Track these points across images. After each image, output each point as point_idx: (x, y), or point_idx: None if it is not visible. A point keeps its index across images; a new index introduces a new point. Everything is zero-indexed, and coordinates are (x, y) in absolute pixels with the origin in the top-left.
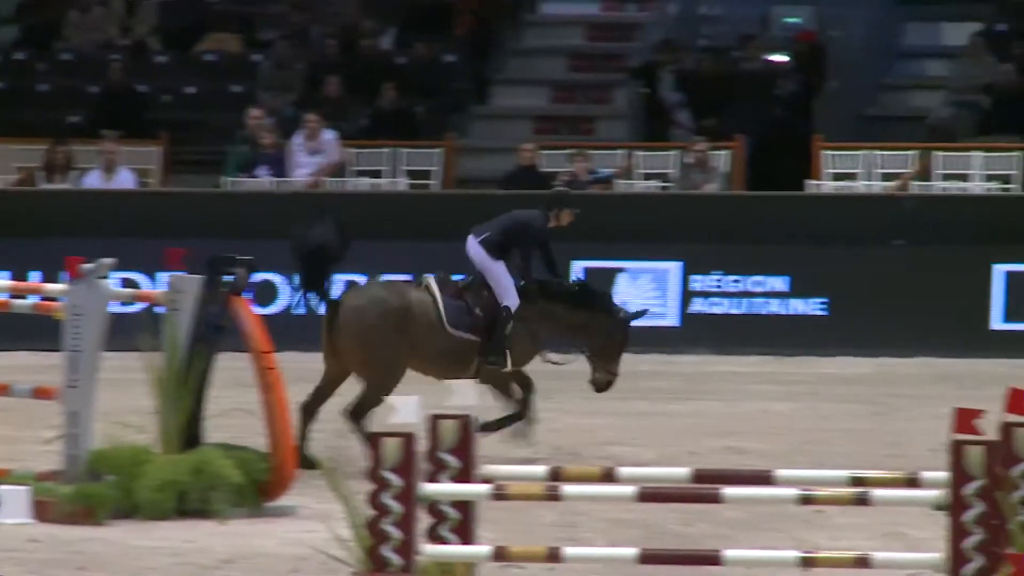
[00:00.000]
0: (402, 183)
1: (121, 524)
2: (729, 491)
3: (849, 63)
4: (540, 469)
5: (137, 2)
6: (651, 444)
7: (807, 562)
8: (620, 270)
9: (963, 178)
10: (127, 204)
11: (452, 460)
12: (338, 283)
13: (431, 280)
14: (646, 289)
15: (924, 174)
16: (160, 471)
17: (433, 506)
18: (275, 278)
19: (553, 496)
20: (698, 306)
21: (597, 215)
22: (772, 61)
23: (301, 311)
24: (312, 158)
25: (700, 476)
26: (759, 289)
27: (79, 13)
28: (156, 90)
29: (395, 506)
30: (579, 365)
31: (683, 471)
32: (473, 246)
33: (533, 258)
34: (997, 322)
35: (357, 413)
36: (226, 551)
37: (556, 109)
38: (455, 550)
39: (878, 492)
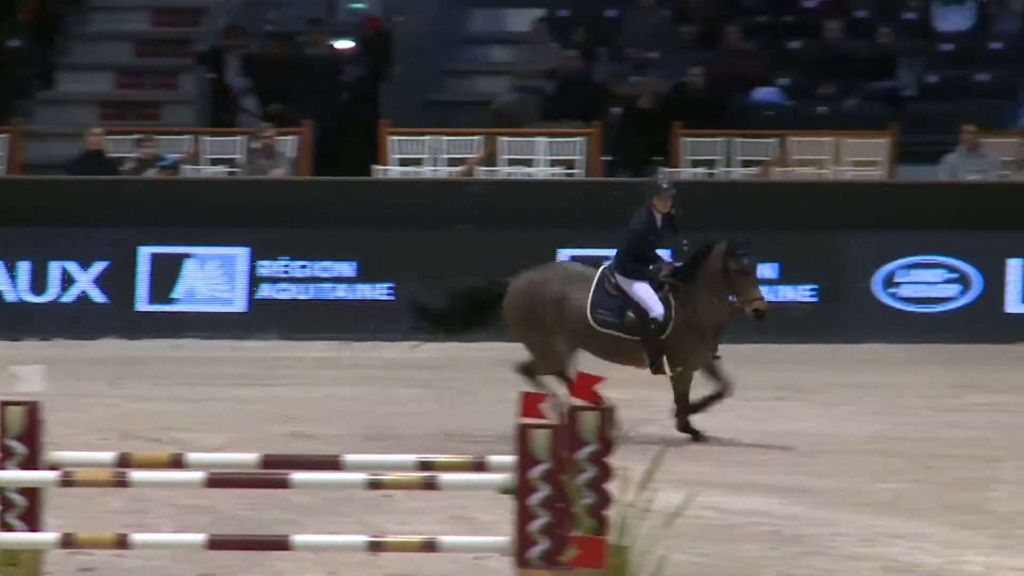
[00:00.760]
0: None
1: None
2: (298, 476)
3: (414, 49)
4: (108, 455)
5: None
6: (220, 430)
7: (375, 546)
8: (188, 256)
9: (528, 163)
10: None
11: (19, 447)
12: None
13: (604, 269)
14: (214, 275)
15: (489, 159)
16: None
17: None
18: None
19: (121, 482)
20: (266, 292)
21: (163, 201)
22: (338, 47)
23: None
24: None
25: (269, 462)
26: (326, 274)
27: None
28: None
29: None
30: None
31: (251, 457)
32: (616, 277)
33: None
34: None
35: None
36: None
37: (122, 94)
38: (21, 537)
39: (446, 476)
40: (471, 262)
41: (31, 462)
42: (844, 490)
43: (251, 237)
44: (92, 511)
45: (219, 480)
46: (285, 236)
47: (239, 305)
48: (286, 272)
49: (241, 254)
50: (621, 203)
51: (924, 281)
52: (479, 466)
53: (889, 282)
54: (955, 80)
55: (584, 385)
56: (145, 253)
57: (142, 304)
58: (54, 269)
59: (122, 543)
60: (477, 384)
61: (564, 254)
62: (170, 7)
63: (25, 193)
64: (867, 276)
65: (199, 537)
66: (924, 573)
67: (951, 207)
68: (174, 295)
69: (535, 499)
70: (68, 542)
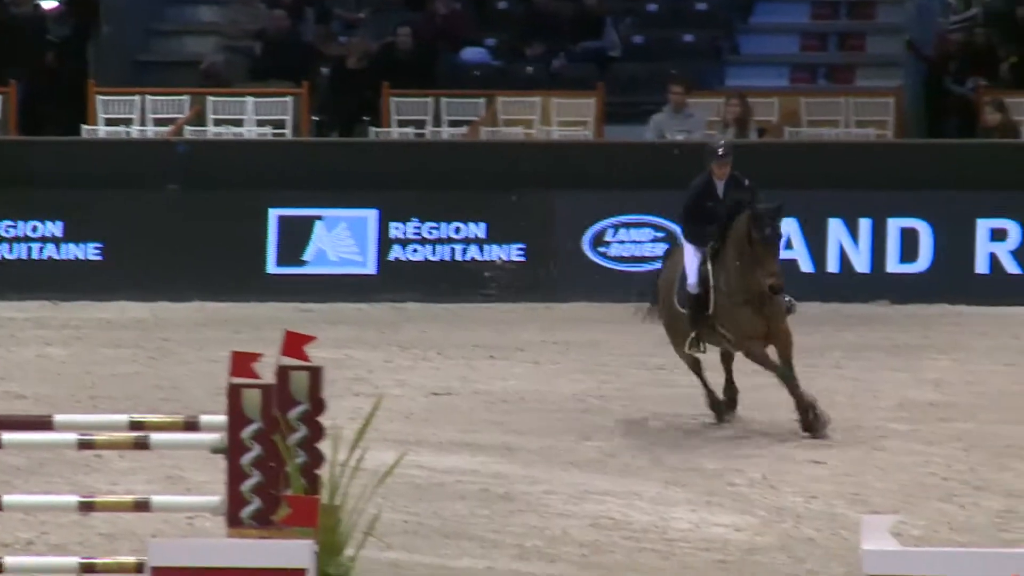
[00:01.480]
0: None
1: None
2: (7, 436)
3: (121, 8)
4: None
5: None
6: None
7: (86, 507)
8: None
9: (237, 123)
10: None
11: None
12: None
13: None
14: None
15: (198, 119)
16: None
17: None
18: None
19: None
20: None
21: None
22: (43, 6)
23: None
24: None
25: None
26: (35, 234)
27: None
28: None
29: None
30: None
31: None
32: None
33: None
34: (272, 266)
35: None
36: None
37: None
38: None
39: (157, 436)
40: (179, 222)
41: None
42: (554, 448)
43: None
44: None
45: None
46: None
47: None
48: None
49: None
50: (332, 162)
51: (632, 240)
52: (190, 426)
53: (598, 241)
54: (661, 41)
55: (294, 344)
56: None
57: None
58: None
59: None
60: (188, 344)
61: (274, 214)
62: None
63: None
64: (576, 236)
65: None
66: (634, 530)
67: (659, 167)
68: None
69: (247, 459)
70: None
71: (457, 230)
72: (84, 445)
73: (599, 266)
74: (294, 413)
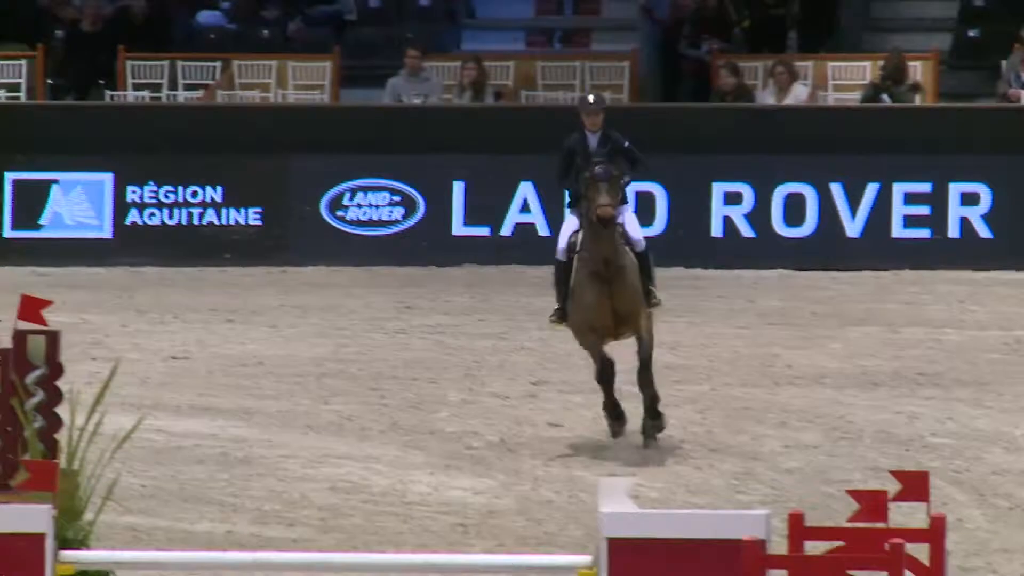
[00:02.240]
0: None
1: None
2: None
3: None
4: None
5: None
6: None
7: None
8: None
9: None
10: None
11: None
12: None
13: None
14: None
15: None
16: None
17: None
18: None
19: None
20: None
21: None
22: None
23: None
24: None
25: None
26: None
27: None
28: None
29: None
30: None
31: None
32: None
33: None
34: (8, 230)
35: None
36: None
37: None
38: None
39: None
40: None
41: None
42: (292, 412)
43: None
44: None
45: None
46: None
47: None
48: None
49: None
50: (68, 125)
51: (370, 204)
52: None
53: (335, 205)
54: (397, 4)
55: (31, 308)
56: None
57: None
58: None
59: None
60: None
61: (9, 178)
62: None
63: None
64: (313, 199)
65: None
66: (373, 494)
67: (396, 130)
68: None
69: None
70: None
71: (194, 194)
72: None
73: (336, 230)
74: (31, 377)
